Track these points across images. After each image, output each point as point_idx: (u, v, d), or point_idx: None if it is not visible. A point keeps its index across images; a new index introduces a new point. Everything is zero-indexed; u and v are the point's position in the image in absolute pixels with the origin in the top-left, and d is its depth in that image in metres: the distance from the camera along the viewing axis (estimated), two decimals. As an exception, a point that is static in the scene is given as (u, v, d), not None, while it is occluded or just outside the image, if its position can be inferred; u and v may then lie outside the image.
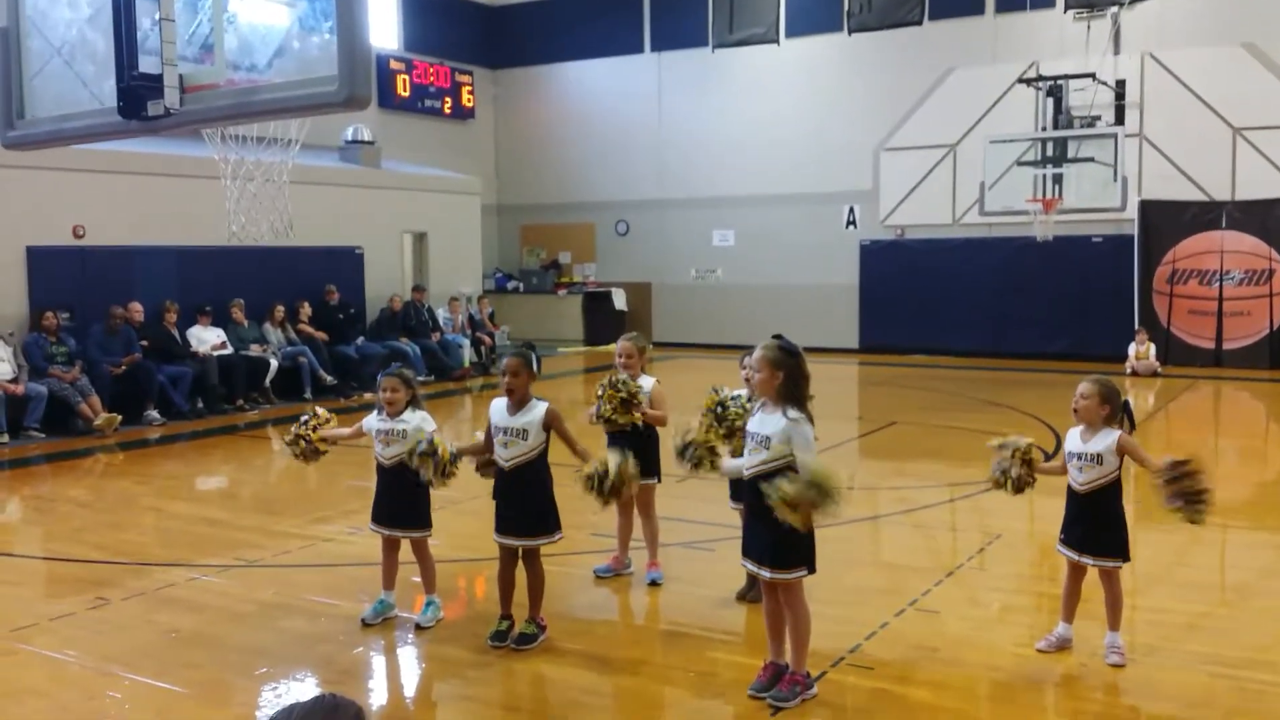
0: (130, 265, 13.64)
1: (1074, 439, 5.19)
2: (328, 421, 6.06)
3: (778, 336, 4.80)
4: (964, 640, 5.55)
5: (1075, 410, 5.17)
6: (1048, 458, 5.22)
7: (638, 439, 6.17)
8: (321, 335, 15.33)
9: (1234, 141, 17.11)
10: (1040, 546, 7.35)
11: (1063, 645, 5.27)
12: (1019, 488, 5.27)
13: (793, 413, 4.63)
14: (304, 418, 6.07)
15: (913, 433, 12.09)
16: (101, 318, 12.85)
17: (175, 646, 5.62)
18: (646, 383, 6.35)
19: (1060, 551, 5.30)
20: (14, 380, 11.81)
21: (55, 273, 12.89)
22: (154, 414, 12.81)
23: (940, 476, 9.76)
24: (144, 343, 13.11)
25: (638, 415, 6.09)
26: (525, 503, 5.46)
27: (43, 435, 11.78)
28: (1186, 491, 4.86)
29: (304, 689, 5.05)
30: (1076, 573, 5.26)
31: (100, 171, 13.14)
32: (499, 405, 5.51)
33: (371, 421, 5.81)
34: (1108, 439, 5.06)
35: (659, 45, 21.86)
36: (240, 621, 6.02)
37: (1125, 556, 5.16)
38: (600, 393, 6.10)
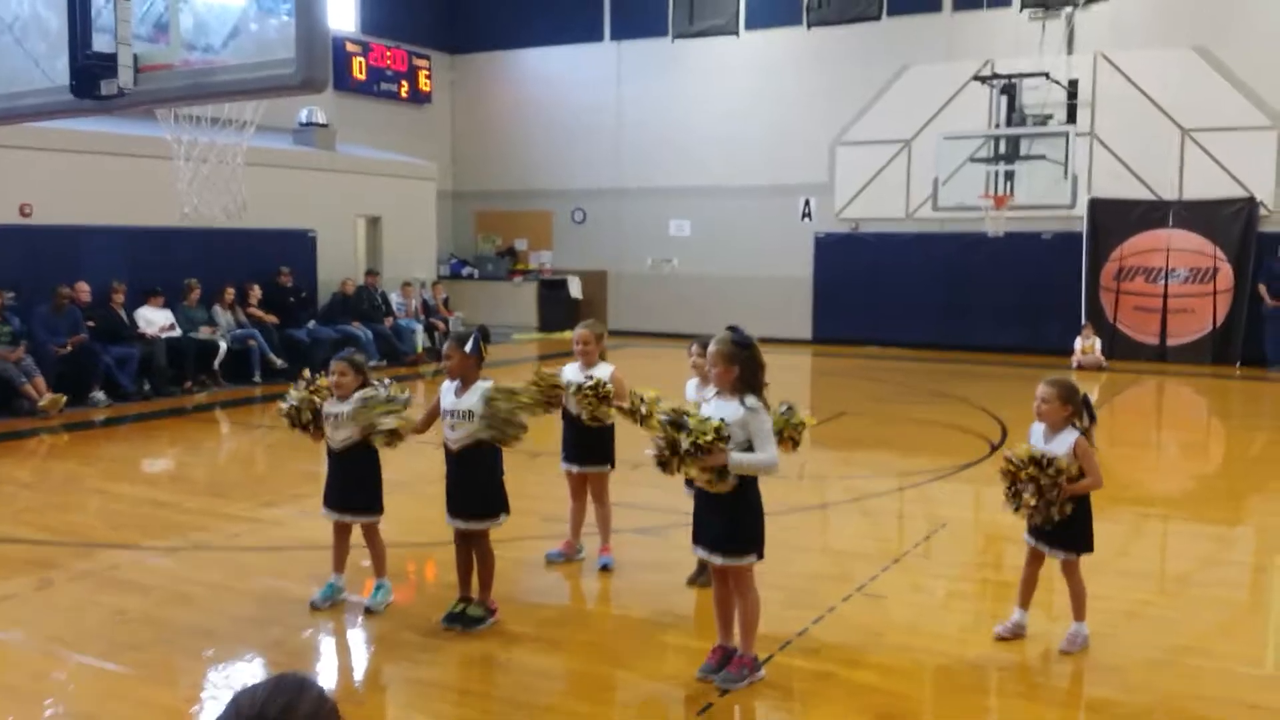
0: (78, 245, 13.42)
1: (1036, 437, 5.27)
2: (317, 391, 5.89)
3: (732, 328, 4.85)
4: (909, 625, 5.64)
5: (1039, 413, 5.25)
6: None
7: (593, 427, 6.29)
8: (272, 318, 15.19)
9: (1183, 142, 17.40)
10: (986, 535, 7.48)
11: (1018, 632, 5.35)
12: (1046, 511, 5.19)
13: (750, 401, 4.68)
14: (299, 383, 5.93)
15: (863, 423, 12.22)
16: (47, 297, 12.63)
17: (122, 628, 5.58)
18: (604, 370, 6.39)
19: (1026, 540, 5.37)
20: (-43, 359, 11.61)
21: (0, 251, 12.66)
22: (100, 395, 12.64)
23: (889, 466, 9.88)
24: (90, 323, 12.92)
25: (612, 409, 6.20)
26: (471, 485, 5.48)
27: (-14, 415, 11.60)
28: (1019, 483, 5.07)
29: (252, 671, 5.04)
30: (1035, 560, 5.34)
31: (49, 150, 12.91)
32: (448, 388, 5.55)
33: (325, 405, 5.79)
34: (1068, 440, 5.14)
35: (619, 34, 21.83)
36: (188, 603, 5.98)
37: (1086, 548, 5.23)
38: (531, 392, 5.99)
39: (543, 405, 5.76)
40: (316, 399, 5.81)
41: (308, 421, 5.82)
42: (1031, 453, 5.13)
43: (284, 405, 5.90)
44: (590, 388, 6.18)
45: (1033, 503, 5.07)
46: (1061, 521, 5.14)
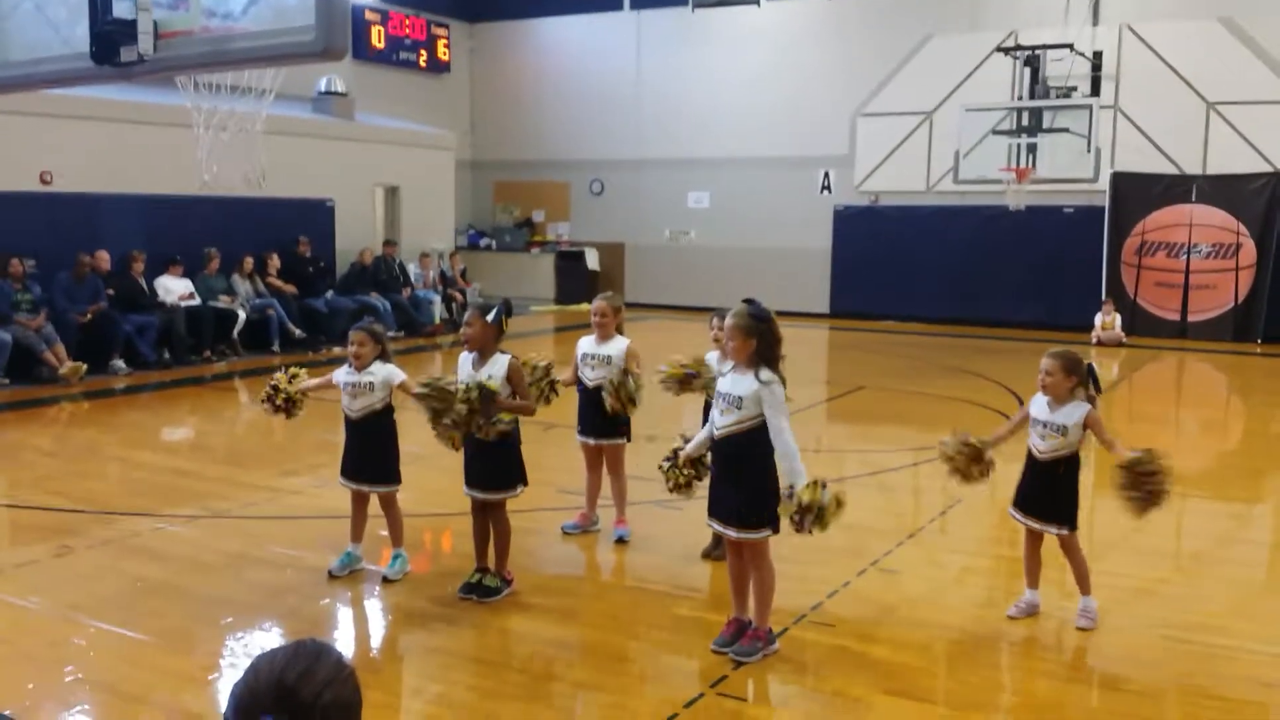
0: (98, 213, 13.47)
1: (1040, 406, 5.24)
2: (297, 376, 6.06)
3: (749, 301, 4.83)
4: (923, 600, 5.64)
5: (1042, 386, 5.22)
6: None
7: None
8: (290, 288, 15.22)
9: (1207, 116, 17.21)
10: (1001, 511, 7.44)
11: (1032, 611, 5.35)
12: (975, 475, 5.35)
13: (765, 374, 4.67)
14: (277, 374, 6.07)
15: (879, 397, 12.19)
16: (67, 265, 12.69)
17: (140, 595, 5.63)
18: (621, 343, 6.39)
19: (1011, 515, 5.38)
20: (-22, 326, 11.68)
21: (21, 219, 12.70)
22: (120, 364, 12.71)
23: (905, 441, 9.86)
24: (110, 292, 12.98)
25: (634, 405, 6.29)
26: (489, 456, 5.49)
27: (7, 383, 11.67)
28: (1147, 490, 4.93)
29: (269, 639, 5.08)
30: (1033, 538, 5.34)
31: (70, 117, 12.94)
32: (465, 359, 5.55)
33: (340, 374, 5.81)
34: (1076, 413, 5.12)
35: (639, 3, 21.67)
36: (206, 571, 6.03)
37: (1072, 525, 5.22)
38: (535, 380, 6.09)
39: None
40: (292, 388, 5.96)
41: (280, 404, 5.97)
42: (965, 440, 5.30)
43: (261, 396, 6.07)
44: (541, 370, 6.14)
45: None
46: (1053, 497, 5.15)
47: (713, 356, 5.97)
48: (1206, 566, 6.51)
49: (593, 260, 21.92)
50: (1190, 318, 17.40)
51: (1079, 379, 5.18)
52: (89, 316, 12.59)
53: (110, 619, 5.27)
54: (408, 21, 21.38)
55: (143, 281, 13.48)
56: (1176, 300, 17.50)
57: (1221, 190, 17.10)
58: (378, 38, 20.64)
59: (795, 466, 4.63)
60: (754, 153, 20.60)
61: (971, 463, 5.29)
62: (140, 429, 10.37)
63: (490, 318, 5.45)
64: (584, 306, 6.40)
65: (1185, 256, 17.42)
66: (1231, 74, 16.92)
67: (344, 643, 5.17)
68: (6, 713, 4.28)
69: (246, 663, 1.81)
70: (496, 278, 21.16)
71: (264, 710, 1.65)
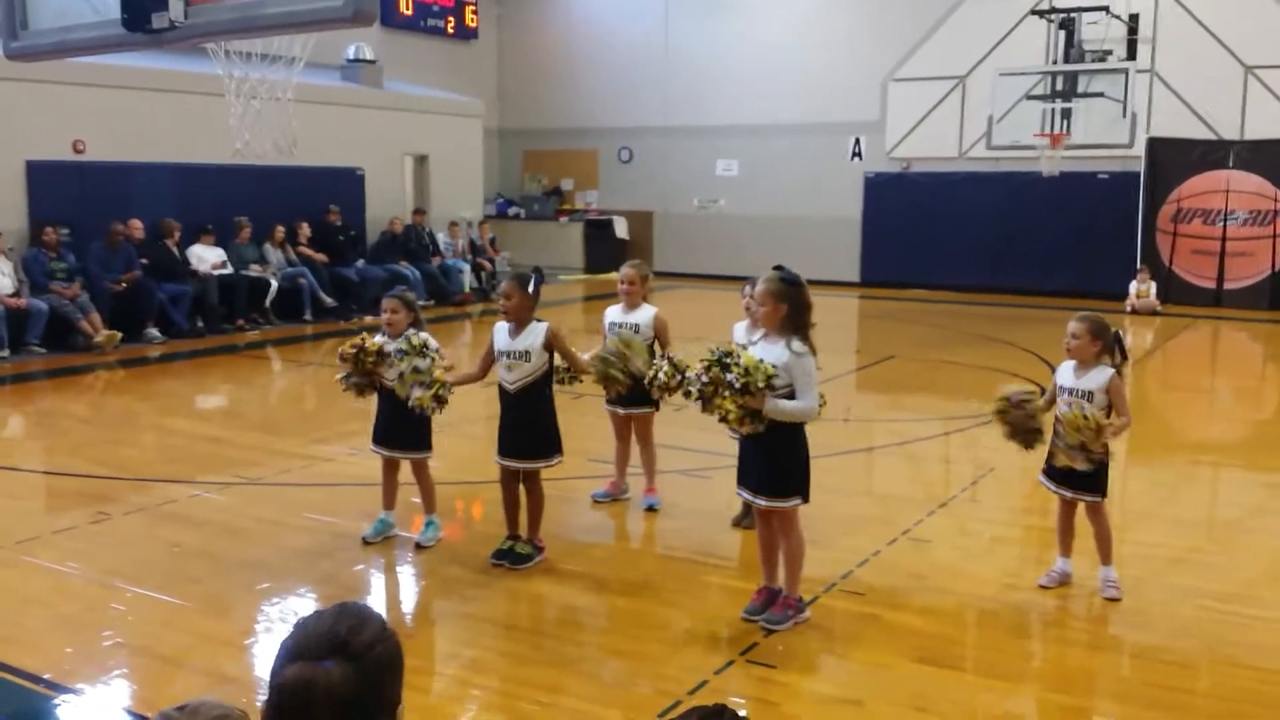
0: (130, 181, 13.55)
1: (1066, 373, 5.21)
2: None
3: (778, 268, 4.81)
4: (954, 569, 5.63)
5: (1068, 349, 5.19)
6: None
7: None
8: (321, 256, 15.28)
9: (1245, 80, 16.93)
10: (1033, 480, 7.40)
11: (1064, 580, 5.32)
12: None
13: (796, 345, 4.64)
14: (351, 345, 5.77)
15: (910, 367, 12.14)
16: (101, 234, 12.79)
17: (177, 560, 5.71)
18: (648, 312, 6.37)
19: (1041, 482, 5.36)
20: (15, 295, 11.81)
21: (55, 188, 12.81)
22: (154, 332, 12.84)
23: (936, 410, 9.82)
24: (144, 260, 13.08)
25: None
26: (527, 425, 5.52)
27: (43, 351, 11.81)
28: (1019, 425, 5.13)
29: (305, 604, 5.14)
30: (1067, 507, 5.32)
31: (101, 86, 13.01)
32: (501, 329, 5.56)
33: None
34: (1101, 377, 5.09)
35: (667, -32, 21.51)
36: (241, 537, 6.10)
37: (1102, 493, 5.20)
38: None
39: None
40: (368, 359, 5.68)
41: (366, 371, 5.71)
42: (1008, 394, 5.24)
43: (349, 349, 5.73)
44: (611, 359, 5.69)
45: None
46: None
47: (740, 327, 5.94)
48: (1240, 536, 6.46)
49: (621, 229, 21.87)
50: (1226, 285, 17.18)
51: (1105, 344, 5.13)
52: (123, 285, 12.70)
53: (147, 584, 5.34)
54: (436, -12, 21.30)
55: (176, 250, 13.57)
56: (1212, 268, 17.27)
57: (1260, 156, 16.82)
58: (405, 4, 20.56)
59: (786, 409, 4.56)
60: (783, 119, 20.43)
61: (1029, 419, 5.25)
62: (175, 397, 10.48)
63: (530, 289, 5.48)
64: (612, 275, 6.39)
65: (1222, 223, 17.17)
66: (1270, 37, 16.60)
67: (378, 608, 5.19)
68: (46, 676, 4.36)
69: (282, 627, 1.84)
70: (525, 246, 21.15)
71: (319, 659, 1.69)
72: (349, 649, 1.72)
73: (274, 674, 1.72)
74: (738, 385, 4.46)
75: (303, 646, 1.71)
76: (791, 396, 4.62)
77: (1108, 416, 5.08)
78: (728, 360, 4.54)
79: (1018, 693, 4.39)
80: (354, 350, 5.69)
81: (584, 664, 4.59)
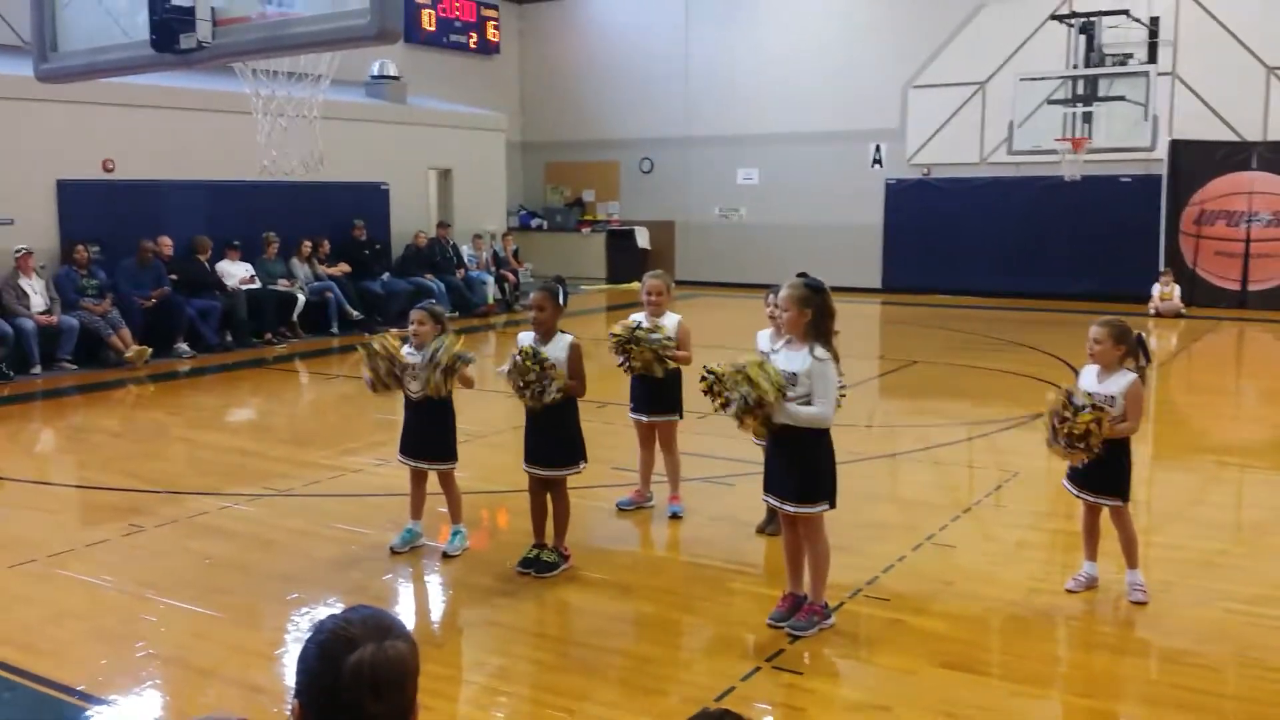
0: (159, 199, 13.72)
1: (1089, 378, 5.21)
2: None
3: (802, 275, 4.84)
4: (979, 574, 5.64)
5: (1091, 354, 5.19)
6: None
7: (661, 378, 6.37)
8: (339, 270, 15.37)
9: (1268, 80, 16.84)
10: (1057, 485, 7.39)
11: (1090, 584, 5.32)
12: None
13: (819, 351, 4.67)
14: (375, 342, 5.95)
15: (934, 372, 12.13)
16: (131, 251, 12.96)
17: (209, 572, 5.78)
18: (671, 320, 6.42)
19: (1065, 487, 5.36)
20: (47, 312, 11.97)
21: (85, 206, 12.98)
22: (184, 347, 12.98)
23: (960, 415, 9.81)
24: (173, 276, 13.23)
25: (668, 363, 6.30)
26: (552, 434, 5.58)
27: (75, 367, 11.97)
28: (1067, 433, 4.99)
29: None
30: (1092, 511, 5.32)
31: (130, 105, 13.18)
32: (525, 339, 5.61)
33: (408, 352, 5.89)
34: (1123, 381, 5.08)
35: (685, -21, 21.60)
36: (272, 549, 6.17)
37: (1125, 498, 5.18)
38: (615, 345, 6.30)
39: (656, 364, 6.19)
40: (393, 349, 5.87)
41: (388, 371, 5.85)
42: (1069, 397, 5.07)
43: (371, 346, 5.91)
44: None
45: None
46: (1105, 470, 5.08)
47: (764, 335, 5.98)
48: (1267, 538, 6.43)
49: (643, 239, 21.93)
50: (1250, 287, 17.07)
51: (1128, 348, 5.13)
52: (153, 301, 12.85)
53: (180, 596, 5.41)
54: (458, 4, 21.46)
55: (208, 266, 13.73)
56: (1236, 270, 17.17)
57: (1284, 157, 16.73)
58: (428, 20, 20.75)
59: (800, 415, 4.63)
60: (803, 128, 20.46)
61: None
62: (204, 410, 10.59)
63: (563, 302, 5.55)
64: (635, 285, 6.46)
65: (1245, 225, 17.08)
66: (1294, 37, 16.53)
67: (406, 616, 5.27)
68: (80, 687, 4.43)
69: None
70: (548, 258, 21.25)
71: (380, 640, 1.76)
72: (397, 629, 1.80)
73: (338, 662, 1.74)
74: (750, 401, 4.55)
75: (359, 632, 1.77)
76: (809, 403, 4.66)
77: (1123, 419, 5.07)
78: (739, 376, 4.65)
79: (1045, 697, 4.39)
80: (383, 352, 5.82)
81: (610, 671, 4.62)
